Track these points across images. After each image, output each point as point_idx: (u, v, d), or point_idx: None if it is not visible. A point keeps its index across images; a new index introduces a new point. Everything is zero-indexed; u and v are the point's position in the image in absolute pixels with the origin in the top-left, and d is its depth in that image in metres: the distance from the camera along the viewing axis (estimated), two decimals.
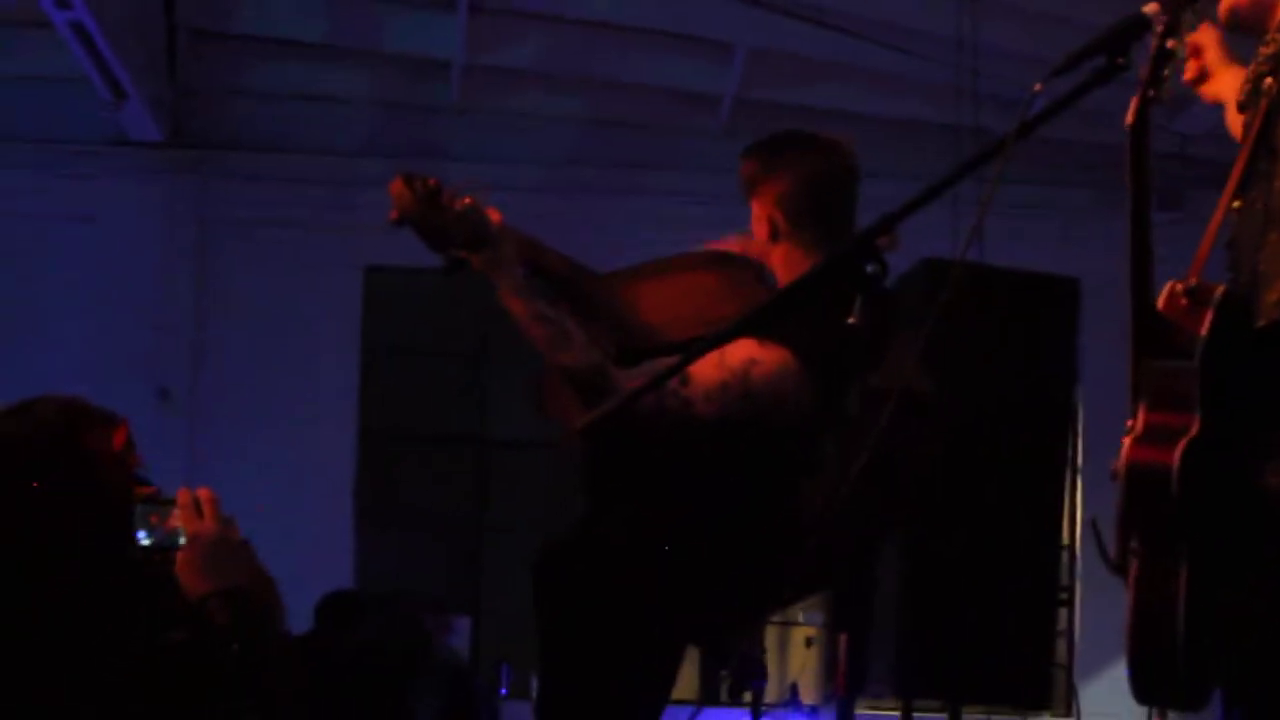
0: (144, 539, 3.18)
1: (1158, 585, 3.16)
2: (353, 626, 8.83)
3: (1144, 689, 3.23)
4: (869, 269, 3.04)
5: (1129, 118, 3.27)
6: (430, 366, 12.14)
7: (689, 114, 10.35)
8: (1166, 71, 3.31)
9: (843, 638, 3.43)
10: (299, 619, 9.31)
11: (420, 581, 11.54)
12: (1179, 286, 3.23)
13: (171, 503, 3.20)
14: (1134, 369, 3.27)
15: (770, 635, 12.42)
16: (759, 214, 4.53)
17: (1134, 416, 3.23)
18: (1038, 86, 3.17)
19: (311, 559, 10.02)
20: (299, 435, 10.70)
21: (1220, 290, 3.21)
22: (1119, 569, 3.20)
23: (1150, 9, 3.35)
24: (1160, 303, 3.28)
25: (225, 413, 10.62)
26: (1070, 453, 7.48)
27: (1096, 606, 10.10)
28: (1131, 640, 3.19)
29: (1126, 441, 3.21)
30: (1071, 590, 10.28)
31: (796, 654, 11.98)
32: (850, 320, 3.09)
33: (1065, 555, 8.47)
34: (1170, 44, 3.27)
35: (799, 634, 12.13)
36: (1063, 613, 9.69)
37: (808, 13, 8.62)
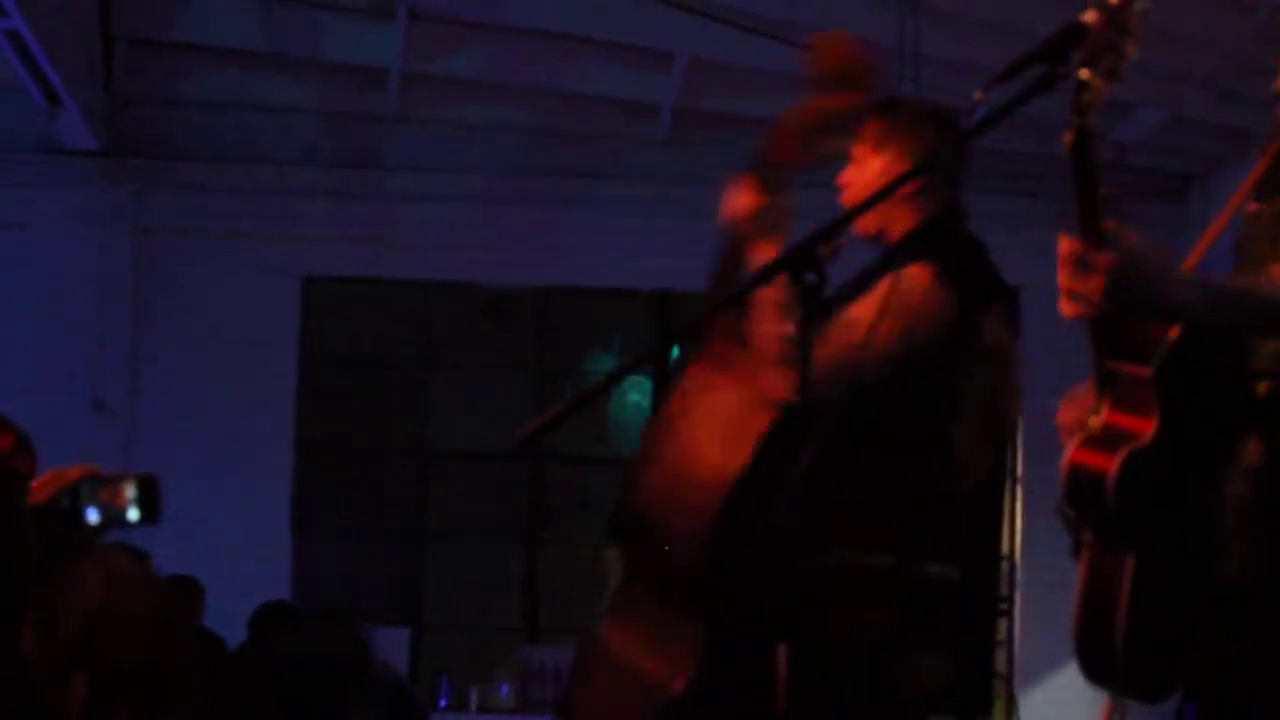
0: (94, 517, 3.16)
1: (1104, 578, 3.20)
2: (288, 637, 8.79)
3: (1089, 672, 3.26)
4: (808, 278, 3.02)
5: (1067, 141, 3.26)
6: (370, 377, 12.09)
7: (630, 123, 10.33)
8: (1088, 97, 3.28)
9: (781, 649, 3.40)
10: (236, 629, 9.29)
11: (359, 593, 11.48)
12: None
13: (123, 479, 3.17)
14: (1097, 368, 3.27)
15: None
16: (885, 169, 4.45)
17: (1097, 412, 3.24)
18: (978, 96, 3.16)
19: (248, 570, 9.97)
20: (236, 446, 10.64)
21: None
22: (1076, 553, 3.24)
23: (1089, 17, 3.34)
24: None
25: (162, 424, 10.55)
26: (1009, 461, 7.46)
27: (1035, 616, 10.14)
28: (1078, 626, 3.23)
29: (1077, 438, 3.23)
30: (1011, 600, 10.31)
31: None
32: (790, 328, 3.08)
33: (1005, 565, 8.48)
34: (1084, 73, 3.25)
35: None
36: (1002, 622, 9.72)
37: (748, 22, 8.60)
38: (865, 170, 4.54)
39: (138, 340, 10.84)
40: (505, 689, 10.75)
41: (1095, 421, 3.23)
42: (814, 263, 3.06)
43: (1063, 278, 3.15)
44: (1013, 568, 10.22)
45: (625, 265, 10.91)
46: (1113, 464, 3.12)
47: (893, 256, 4.24)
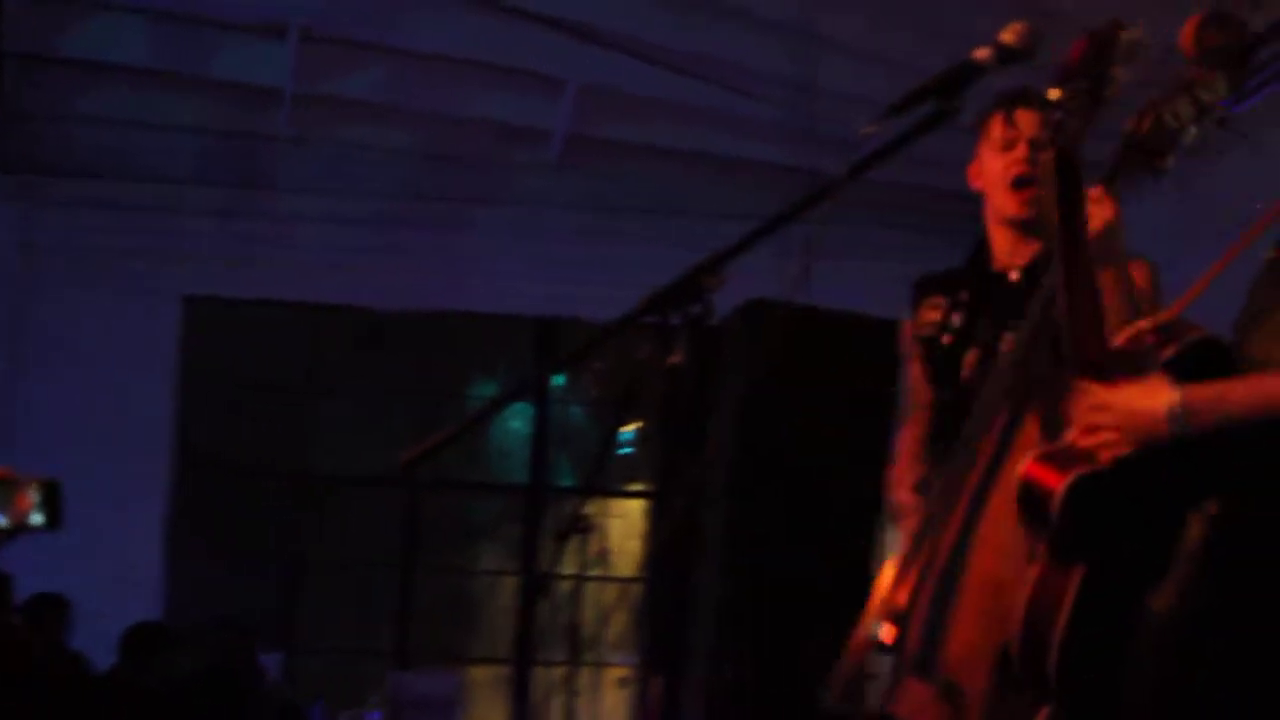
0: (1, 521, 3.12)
1: (1050, 588, 3.25)
2: (160, 658, 8.68)
3: (1023, 678, 3.32)
4: (693, 309, 3.02)
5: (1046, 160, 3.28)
6: (252, 399, 12.01)
7: (520, 148, 10.31)
8: (1060, 117, 3.31)
9: (656, 680, 3.39)
10: (108, 650, 9.16)
11: (233, 615, 11.39)
12: (1145, 324, 3.28)
13: (26, 483, 3.13)
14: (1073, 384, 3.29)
15: (582, 675, 12.40)
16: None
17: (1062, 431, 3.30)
18: (869, 129, 3.17)
19: (120, 590, 9.87)
20: (113, 464, 10.51)
21: (1198, 332, 3.25)
22: None
23: (980, 55, 3.36)
24: (1121, 338, 3.30)
25: (40, 440, 10.42)
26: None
27: None
28: (1018, 631, 3.29)
29: (1035, 451, 3.30)
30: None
31: (609, 695, 11.95)
32: (672, 360, 3.07)
33: None
34: (1053, 93, 3.29)
35: (611, 674, 12.11)
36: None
37: (640, 50, 8.60)
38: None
39: (19, 357, 10.72)
40: (378, 715, 10.68)
41: (1063, 438, 3.30)
42: (697, 296, 3.07)
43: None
44: None
45: (511, 291, 10.88)
46: (1061, 484, 3.18)
47: None
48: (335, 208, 10.73)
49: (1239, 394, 3.12)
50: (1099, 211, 3.99)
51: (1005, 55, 3.40)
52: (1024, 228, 4.50)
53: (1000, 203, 4.52)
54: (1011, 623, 3.40)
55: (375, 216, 10.72)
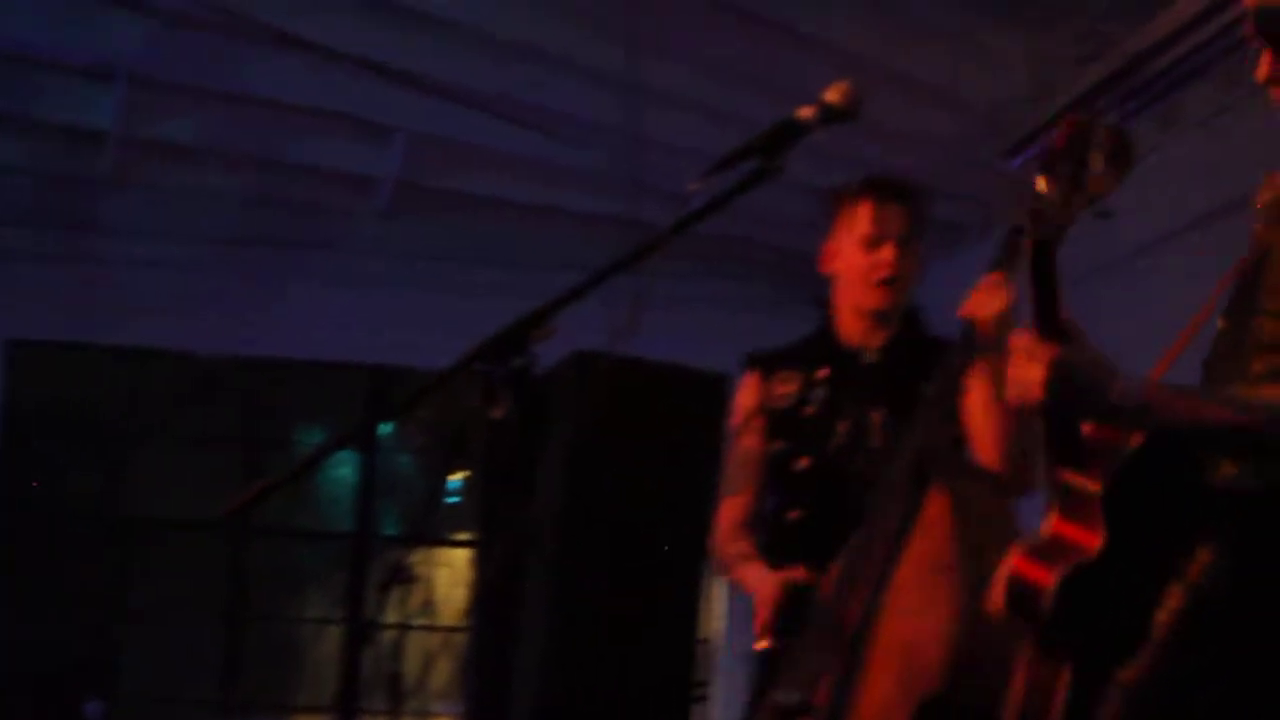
0: None
1: (1039, 683, 3.19)
2: None
3: None
4: (517, 360, 3.04)
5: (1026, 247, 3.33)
6: (75, 444, 11.87)
7: (349, 196, 10.27)
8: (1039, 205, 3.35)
9: None
10: None
11: (54, 662, 11.23)
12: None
13: None
14: (1050, 474, 3.28)
15: None
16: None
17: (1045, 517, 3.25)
18: (693, 186, 3.21)
19: None
20: None
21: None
22: None
23: (804, 113, 3.42)
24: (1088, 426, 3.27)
25: None
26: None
27: (730, 701, 10.18)
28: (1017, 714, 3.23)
29: (1019, 548, 3.23)
30: (707, 684, 10.35)
31: None
32: (495, 413, 3.08)
33: (701, 650, 8.53)
34: (1040, 184, 3.34)
35: None
36: (700, 708, 9.76)
37: (471, 98, 8.61)
38: (913, 260, 4.70)
39: None
40: None
41: (1043, 530, 3.24)
42: (522, 347, 3.09)
43: (1010, 367, 3.24)
44: (709, 652, 10.28)
45: (341, 339, 10.82)
46: (1051, 579, 3.12)
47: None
48: (161, 252, 10.62)
49: (1171, 397, 3.19)
50: (996, 299, 4.17)
51: (829, 114, 3.46)
52: (880, 317, 4.65)
53: (860, 297, 4.68)
54: (929, 678, 3.71)
55: (201, 261, 10.61)
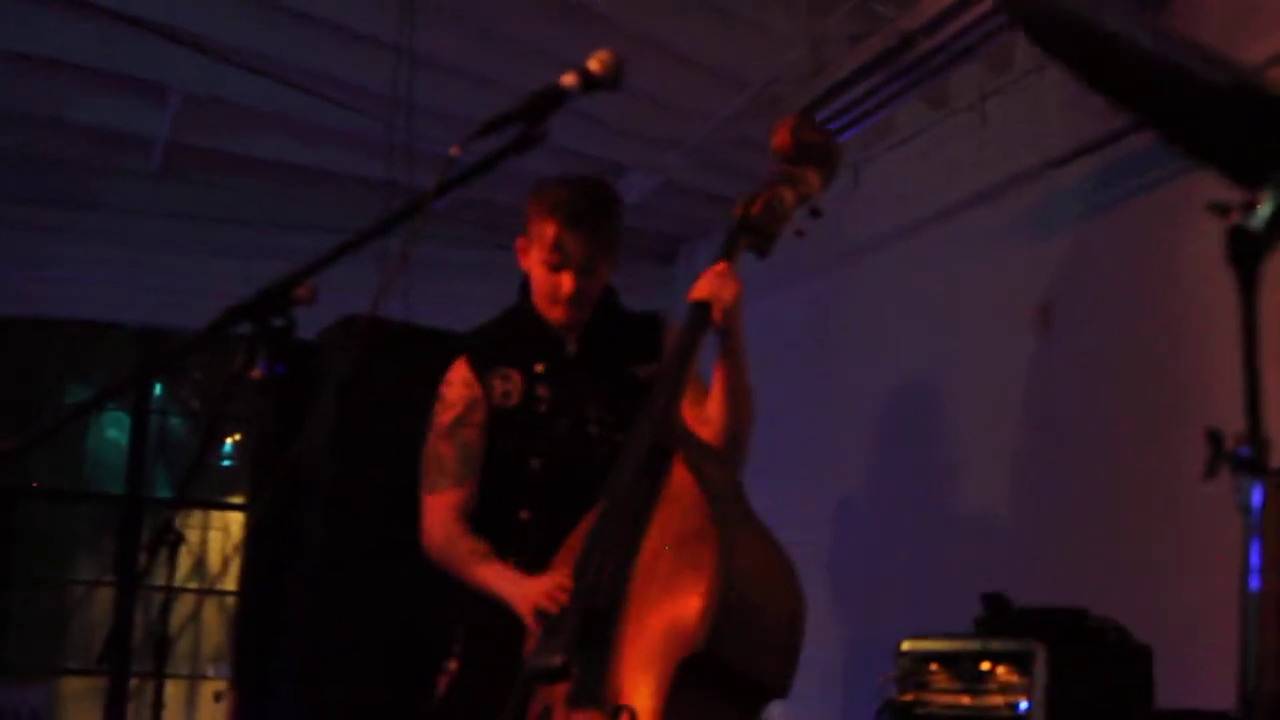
0: None
1: None
2: None
3: None
4: (275, 322, 3.05)
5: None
6: None
7: (121, 155, 10.15)
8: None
9: (230, 693, 3.41)
10: None
11: None
12: None
13: None
14: None
15: (179, 688, 12.27)
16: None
17: None
18: (455, 150, 3.24)
19: None
20: None
21: None
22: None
23: (567, 81, 3.46)
24: None
25: None
26: None
27: None
28: None
29: None
30: None
31: (206, 707, 11.85)
32: (253, 374, 3.10)
33: None
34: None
35: (209, 687, 12.01)
36: None
37: (245, 60, 8.55)
38: (600, 275, 4.80)
39: None
40: None
41: None
42: (285, 306, 3.10)
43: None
44: None
45: (109, 299, 10.70)
46: None
47: None
48: None
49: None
50: (729, 285, 4.34)
51: (590, 82, 3.51)
52: (569, 321, 4.77)
53: (545, 305, 4.77)
54: (690, 640, 3.88)
55: None
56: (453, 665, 4.81)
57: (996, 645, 5.74)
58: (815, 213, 4.72)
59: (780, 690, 4.17)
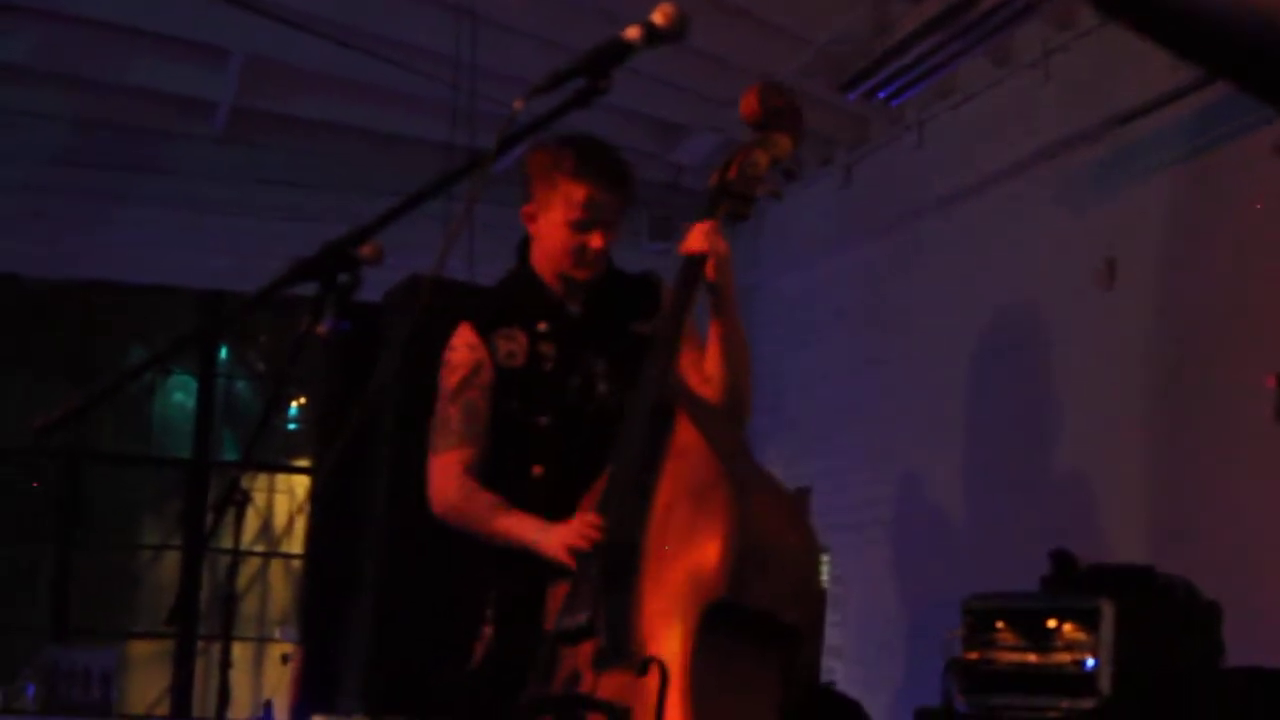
0: None
1: None
2: None
3: None
4: (340, 278, 3.04)
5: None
6: None
7: (184, 119, 10.18)
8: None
9: (298, 650, 3.41)
10: None
11: None
12: None
13: None
14: None
15: (246, 651, 12.33)
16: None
17: None
18: (518, 104, 3.21)
19: None
20: None
21: None
22: None
23: (630, 34, 3.44)
24: None
25: None
26: None
27: None
28: None
29: None
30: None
31: (272, 670, 11.89)
32: (319, 330, 3.09)
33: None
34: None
35: (275, 650, 12.05)
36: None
37: (306, 22, 8.56)
38: (615, 236, 4.87)
39: None
40: (31, 690, 10.49)
41: None
42: (350, 263, 3.08)
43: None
44: None
45: (173, 263, 10.74)
46: None
47: None
48: None
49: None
50: (721, 240, 4.44)
51: (654, 35, 3.48)
52: (583, 282, 4.80)
53: (562, 266, 4.77)
54: (713, 587, 3.95)
55: (35, 182, 10.48)
56: (487, 631, 4.81)
57: (1063, 602, 5.72)
58: (789, 174, 4.87)
59: (806, 629, 4.23)
